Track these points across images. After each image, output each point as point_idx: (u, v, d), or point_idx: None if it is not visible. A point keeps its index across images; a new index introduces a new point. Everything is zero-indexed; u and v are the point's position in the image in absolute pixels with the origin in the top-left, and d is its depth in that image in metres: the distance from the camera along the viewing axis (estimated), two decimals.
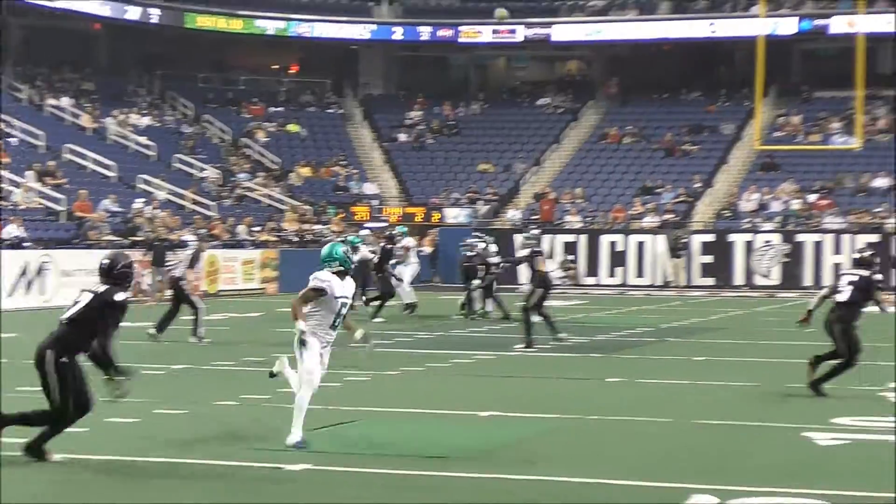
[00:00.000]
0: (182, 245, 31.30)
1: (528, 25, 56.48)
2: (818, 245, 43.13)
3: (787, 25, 53.18)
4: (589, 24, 56.37)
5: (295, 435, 12.07)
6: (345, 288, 12.49)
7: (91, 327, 11.24)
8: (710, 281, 43.74)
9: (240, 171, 50.74)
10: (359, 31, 57.75)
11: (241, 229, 42.84)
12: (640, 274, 44.48)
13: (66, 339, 11.24)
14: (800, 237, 43.70)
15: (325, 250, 12.73)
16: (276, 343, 22.99)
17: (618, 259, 44.57)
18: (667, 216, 47.35)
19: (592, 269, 44.71)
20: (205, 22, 55.05)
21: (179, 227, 39.28)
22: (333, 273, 12.45)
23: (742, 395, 16.86)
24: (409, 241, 32.74)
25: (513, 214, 48.61)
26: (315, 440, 12.23)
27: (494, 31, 56.81)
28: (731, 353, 22.61)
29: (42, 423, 11.31)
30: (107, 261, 11.67)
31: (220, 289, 38.43)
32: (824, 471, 11.56)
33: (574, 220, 47.65)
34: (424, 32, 57.47)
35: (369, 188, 52.92)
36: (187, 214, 42.83)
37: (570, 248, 44.88)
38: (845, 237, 43.05)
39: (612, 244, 44.79)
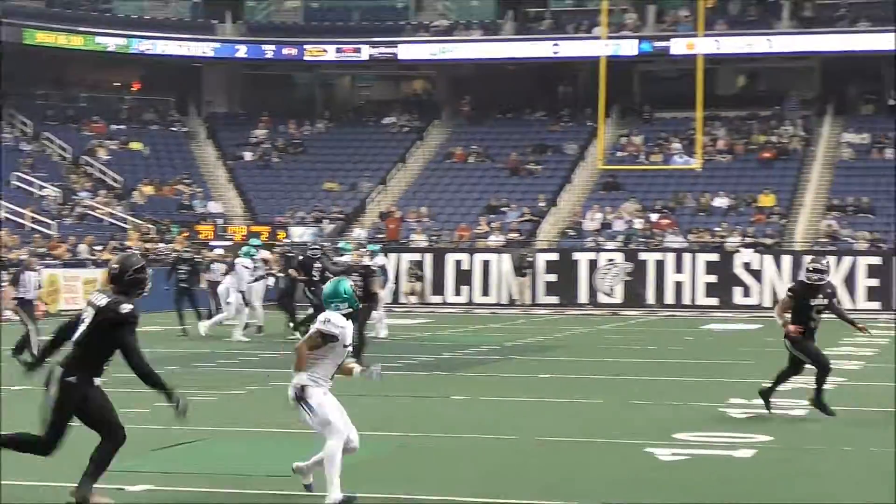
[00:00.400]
0: (19, 264, 30.66)
1: (374, 45, 56.54)
2: (660, 264, 43.72)
3: (629, 47, 53.95)
4: (434, 43, 56.61)
5: (334, 494, 10.45)
6: (350, 333, 10.88)
7: (100, 347, 10.02)
8: (554, 299, 44.10)
9: (81, 190, 49.96)
10: (202, 48, 57.25)
11: (83, 248, 42.17)
12: (485, 292, 44.69)
13: (77, 359, 10.01)
14: (642, 256, 44.28)
15: (329, 287, 10.91)
16: (118, 363, 22.62)
17: (463, 277, 44.75)
18: (512, 235, 47.66)
19: (438, 288, 44.83)
20: (44, 38, 54.10)
21: (18, 245, 38.52)
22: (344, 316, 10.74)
23: (586, 412, 16.99)
24: (268, 254, 32.48)
25: (359, 233, 48.55)
26: (156, 460, 12.04)
27: (339, 50, 56.80)
28: (576, 370, 22.78)
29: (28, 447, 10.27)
30: (115, 266, 10.17)
31: (62, 308, 37.72)
32: (665, 485, 11.67)
33: (420, 239, 47.74)
34: (269, 50, 57.19)
35: (214, 207, 52.45)
36: (27, 233, 42.02)
37: (417, 266, 44.98)
38: (686, 256, 43.76)
39: (458, 263, 44.96)
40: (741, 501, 10.82)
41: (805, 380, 20.30)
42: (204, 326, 29.35)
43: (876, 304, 41.40)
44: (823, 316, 16.62)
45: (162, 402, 10.09)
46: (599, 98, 44.16)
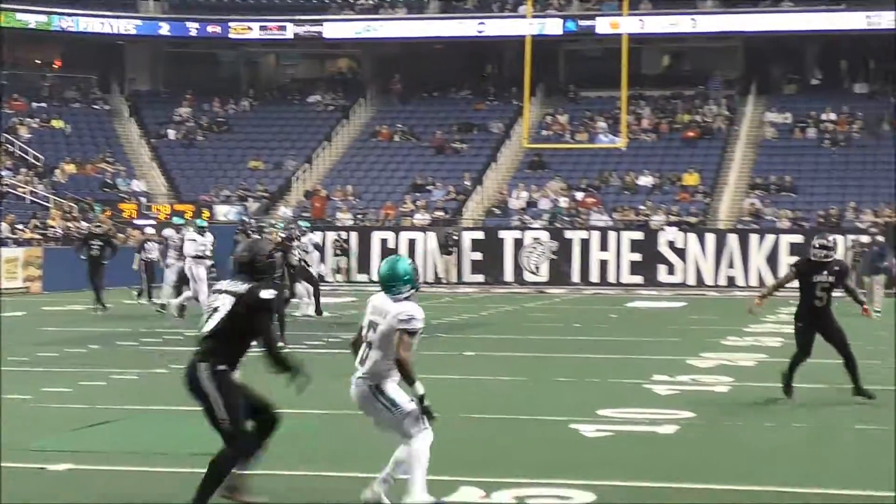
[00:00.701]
0: None
1: (299, 23, 56.28)
2: (585, 242, 43.91)
3: (554, 26, 54.04)
4: (359, 21, 56.43)
5: (421, 496, 9.37)
6: None
7: (239, 335, 9.50)
8: (480, 277, 44.18)
9: (2, 168, 49.39)
10: (124, 25, 56.77)
11: (4, 227, 41.72)
12: None
13: (217, 350, 9.47)
14: (568, 234, 44.44)
15: (385, 269, 9.68)
16: (40, 342, 22.45)
17: (389, 256, 44.64)
18: (437, 213, 47.67)
19: (364, 266, 44.75)
20: None
21: None
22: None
23: (511, 389, 17.00)
24: (172, 233, 31.98)
25: (284, 212, 48.37)
26: (78, 439, 11.93)
27: (263, 28, 56.52)
28: (501, 348, 22.79)
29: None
30: (245, 254, 9.65)
31: None
32: (590, 461, 11.71)
33: (345, 218, 47.66)
34: (193, 28, 56.80)
35: (137, 185, 52.08)
36: None
37: (343, 240, 44.91)
38: (611, 234, 43.97)
39: (384, 241, 44.91)
40: (665, 477, 10.87)
41: (729, 357, 20.50)
42: (174, 303, 28.69)
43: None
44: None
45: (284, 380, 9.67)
46: (525, 77, 44.22)
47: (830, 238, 16.31)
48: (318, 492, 10.37)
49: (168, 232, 32.45)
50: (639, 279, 43.06)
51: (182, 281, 29.80)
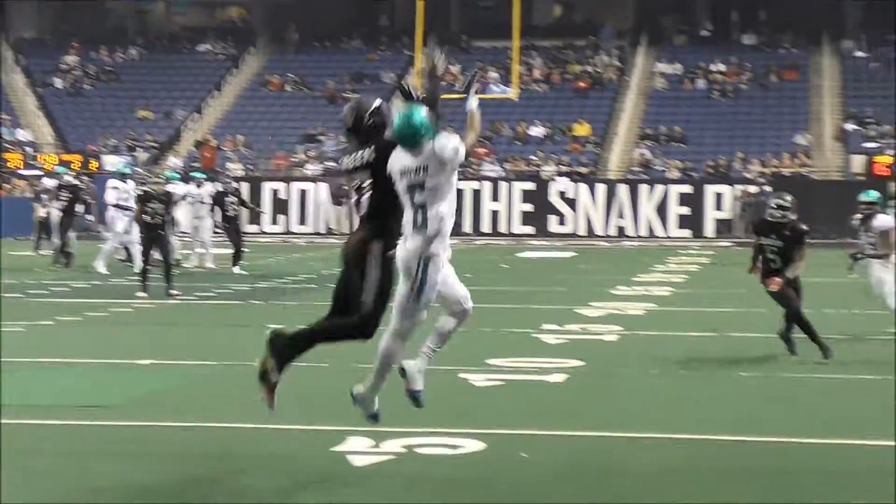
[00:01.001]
0: None
1: None
2: (477, 193, 43.98)
3: None
4: None
5: (374, 406, 9.75)
6: None
7: (395, 196, 8.83)
8: None
9: None
10: None
11: None
12: (302, 221, 44.51)
13: (384, 228, 8.88)
14: (459, 185, 44.27)
15: (400, 123, 8.81)
16: None
17: (280, 206, 44.48)
18: (329, 164, 47.44)
19: (255, 217, 44.42)
20: None
21: None
22: None
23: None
24: (54, 183, 31.38)
25: (174, 162, 47.91)
26: None
27: None
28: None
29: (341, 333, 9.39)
30: (350, 116, 9.03)
31: None
32: (480, 410, 11.73)
33: (236, 168, 47.27)
34: None
35: (23, 135, 51.27)
36: None
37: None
38: (503, 185, 44.09)
39: (275, 192, 44.66)
40: (555, 425, 10.92)
41: (618, 306, 20.66)
42: (101, 264, 27.76)
43: (687, 233, 42.32)
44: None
45: None
46: (417, 27, 44.03)
47: (788, 197, 15.00)
48: (224, 442, 10.26)
49: (51, 182, 31.97)
50: (530, 229, 43.24)
51: (65, 229, 29.07)
